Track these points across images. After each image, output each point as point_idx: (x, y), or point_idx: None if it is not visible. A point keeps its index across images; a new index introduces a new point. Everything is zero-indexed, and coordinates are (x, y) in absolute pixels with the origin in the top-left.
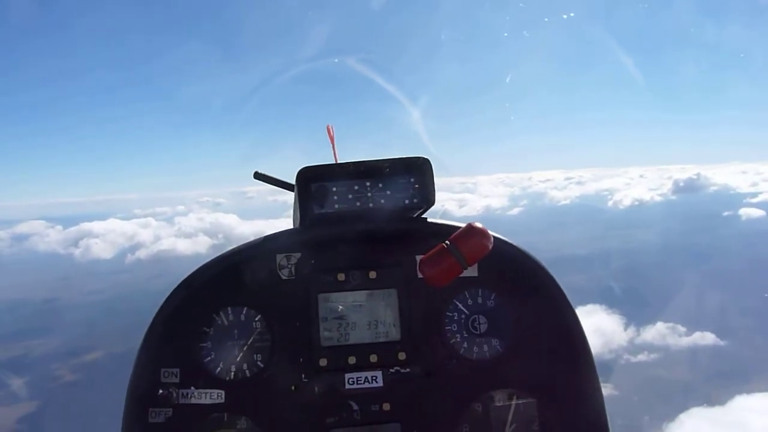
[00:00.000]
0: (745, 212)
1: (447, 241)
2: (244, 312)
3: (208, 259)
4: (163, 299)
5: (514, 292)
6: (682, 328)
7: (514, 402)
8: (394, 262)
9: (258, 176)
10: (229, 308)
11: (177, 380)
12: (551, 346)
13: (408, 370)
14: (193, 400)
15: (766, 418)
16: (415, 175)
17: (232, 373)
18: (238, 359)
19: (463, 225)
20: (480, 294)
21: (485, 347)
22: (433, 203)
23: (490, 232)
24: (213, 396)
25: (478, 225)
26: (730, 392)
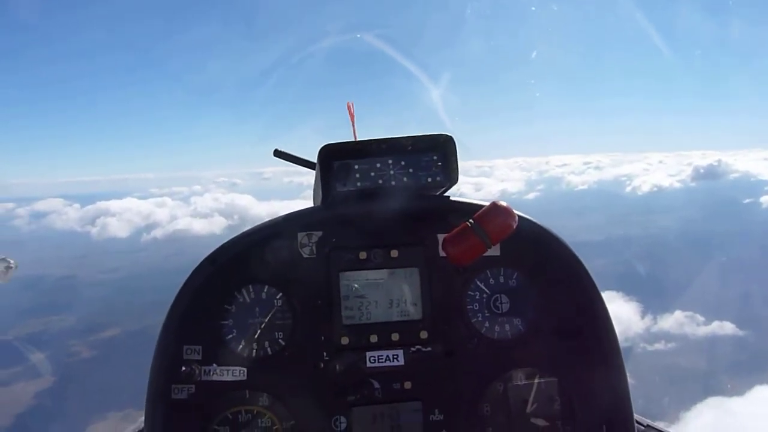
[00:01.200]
0: (766, 200)
1: (471, 220)
2: (265, 290)
3: (231, 237)
4: (186, 276)
5: (538, 271)
6: (700, 318)
7: (535, 381)
8: (416, 240)
9: (278, 154)
10: (250, 286)
11: (199, 357)
12: (575, 326)
13: (429, 349)
14: (215, 377)
15: None
16: (438, 152)
17: (254, 351)
18: (259, 337)
19: (486, 203)
20: (502, 273)
21: (507, 327)
22: (456, 181)
23: (515, 211)
24: (235, 373)
25: (503, 203)
26: (750, 382)
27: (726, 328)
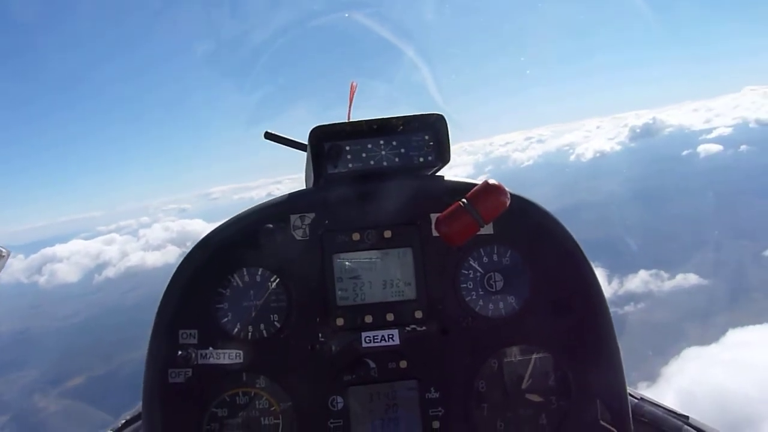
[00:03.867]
0: (704, 149)
1: (463, 199)
2: (259, 273)
3: (225, 220)
4: (182, 258)
5: (531, 248)
6: (665, 274)
7: (530, 357)
8: (409, 221)
9: (269, 136)
10: (244, 269)
11: (195, 341)
12: (568, 302)
13: (424, 328)
14: (212, 360)
15: (761, 348)
16: (429, 132)
17: (250, 334)
18: (255, 319)
19: (478, 182)
20: (495, 251)
21: (501, 304)
22: (448, 161)
23: (507, 189)
24: (231, 356)
25: (495, 182)
26: (722, 328)
27: (690, 279)
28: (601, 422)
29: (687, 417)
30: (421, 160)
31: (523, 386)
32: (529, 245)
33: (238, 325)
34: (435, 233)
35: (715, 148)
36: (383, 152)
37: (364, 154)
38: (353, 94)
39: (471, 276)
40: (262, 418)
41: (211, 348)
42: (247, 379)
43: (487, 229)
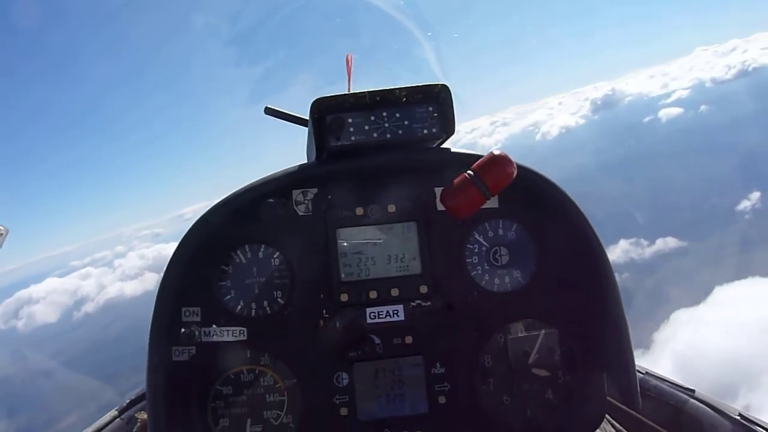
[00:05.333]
0: (665, 113)
1: (470, 171)
2: (262, 249)
3: (224, 196)
4: (180, 241)
5: (537, 222)
6: (644, 241)
7: (536, 333)
8: (413, 194)
9: (269, 111)
10: (246, 246)
11: (198, 319)
12: (575, 276)
13: (429, 303)
14: (216, 338)
15: (749, 302)
16: (433, 103)
17: (253, 311)
18: (258, 296)
19: (484, 154)
20: (501, 225)
21: (507, 279)
22: (452, 132)
23: (513, 160)
24: (235, 333)
25: (501, 152)
26: (708, 287)
27: (669, 243)
28: (608, 398)
29: (693, 390)
30: (425, 132)
31: (530, 361)
32: (536, 219)
33: (242, 303)
34: (440, 207)
35: (676, 111)
36: (386, 124)
37: (366, 127)
38: (350, 67)
39: (476, 250)
40: (267, 395)
41: (214, 326)
42: (251, 357)
43: (492, 203)
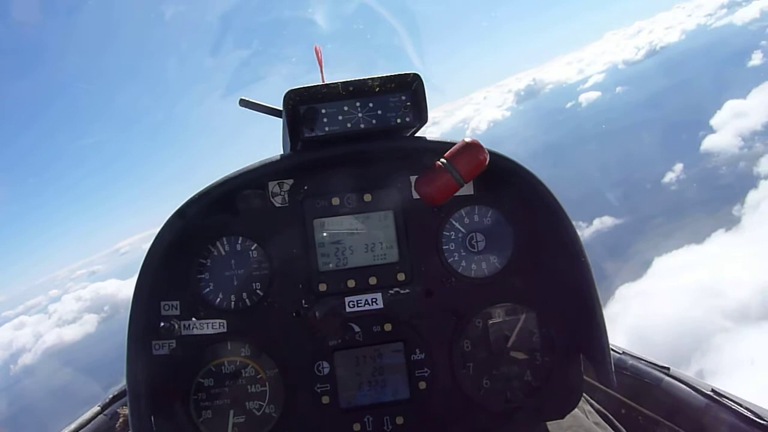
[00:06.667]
0: (584, 98)
1: (443, 159)
2: (239, 241)
3: (201, 189)
4: (158, 232)
5: (512, 207)
6: (582, 223)
7: (515, 317)
8: (388, 183)
9: (244, 103)
10: (224, 238)
11: (178, 312)
12: (550, 259)
13: (407, 290)
14: (195, 331)
15: (688, 270)
16: (406, 92)
17: (233, 303)
18: (237, 288)
19: (457, 142)
20: (477, 212)
21: (483, 264)
22: (426, 121)
23: (485, 147)
24: (215, 326)
25: (473, 140)
26: (647, 260)
27: (606, 222)
28: (585, 377)
29: (668, 368)
30: (399, 121)
31: (509, 345)
32: (510, 204)
33: (221, 295)
34: (416, 195)
35: (594, 95)
36: (360, 114)
37: (340, 117)
38: (320, 58)
39: (453, 237)
40: (249, 386)
41: (194, 319)
42: (232, 349)
43: (468, 189)
